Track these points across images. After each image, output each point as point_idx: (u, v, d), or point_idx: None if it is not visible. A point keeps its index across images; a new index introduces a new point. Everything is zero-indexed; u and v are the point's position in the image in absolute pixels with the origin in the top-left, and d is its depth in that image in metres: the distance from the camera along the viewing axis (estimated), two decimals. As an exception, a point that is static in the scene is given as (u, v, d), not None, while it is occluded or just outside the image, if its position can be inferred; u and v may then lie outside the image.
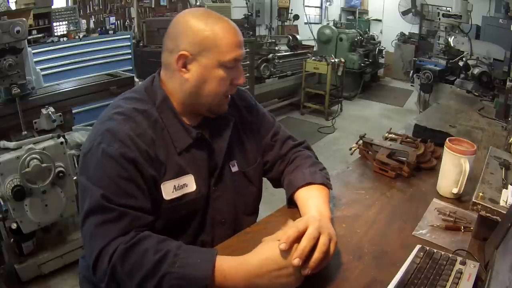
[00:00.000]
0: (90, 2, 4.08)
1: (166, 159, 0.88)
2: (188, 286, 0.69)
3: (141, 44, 4.25)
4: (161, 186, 0.86)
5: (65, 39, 3.58)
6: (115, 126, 0.83)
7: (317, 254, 0.72)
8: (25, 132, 1.86)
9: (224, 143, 0.97)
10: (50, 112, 1.92)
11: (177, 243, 0.75)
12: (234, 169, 1.01)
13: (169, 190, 0.87)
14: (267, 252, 0.73)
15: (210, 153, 0.95)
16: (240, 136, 1.05)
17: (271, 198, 1.47)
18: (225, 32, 0.86)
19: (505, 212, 0.84)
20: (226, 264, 0.72)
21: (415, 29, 7.56)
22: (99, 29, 4.09)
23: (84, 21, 3.97)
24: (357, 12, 8.02)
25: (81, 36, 3.70)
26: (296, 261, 0.70)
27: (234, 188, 1.01)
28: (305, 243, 0.72)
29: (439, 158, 1.28)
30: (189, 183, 0.90)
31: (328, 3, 7.93)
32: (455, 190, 1.09)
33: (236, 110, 1.05)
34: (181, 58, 0.86)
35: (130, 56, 3.94)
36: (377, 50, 6.65)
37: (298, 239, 0.73)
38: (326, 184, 1.00)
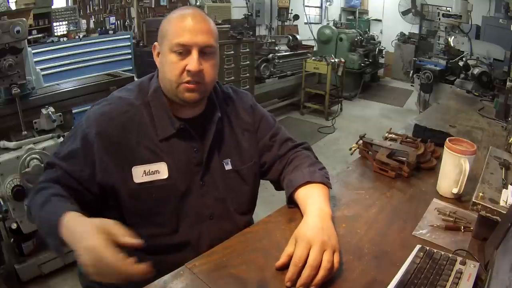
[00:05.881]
0: (90, 2, 4.08)
1: (137, 145, 0.94)
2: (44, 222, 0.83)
3: (141, 44, 4.24)
4: (132, 170, 0.93)
5: (65, 39, 3.58)
6: (94, 110, 0.96)
7: (322, 272, 0.74)
8: (25, 132, 1.86)
9: (208, 141, 1.00)
10: (50, 112, 1.92)
11: (59, 199, 0.85)
12: (228, 167, 1.04)
13: (139, 174, 0.93)
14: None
15: (193, 148, 0.99)
16: (236, 135, 1.07)
17: (271, 198, 1.47)
18: (177, 19, 0.92)
19: (505, 212, 0.84)
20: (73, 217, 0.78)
21: (415, 29, 7.55)
22: (99, 29, 4.09)
23: (84, 21, 3.96)
24: (357, 12, 8.02)
25: (81, 36, 3.69)
26: None
27: (226, 186, 1.03)
28: (308, 271, 0.73)
29: (439, 158, 1.28)
30: (162, 170, 0.95)
31: (328, 3, 7.93)
32: (455, 190, 1.09)
33: (234, 110, 1.09)
34: (154, 48, 1.00)
35: (130, 56, 3.93)
36: (377, 50, 6.64)
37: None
38: (326, 183, 1.00)
